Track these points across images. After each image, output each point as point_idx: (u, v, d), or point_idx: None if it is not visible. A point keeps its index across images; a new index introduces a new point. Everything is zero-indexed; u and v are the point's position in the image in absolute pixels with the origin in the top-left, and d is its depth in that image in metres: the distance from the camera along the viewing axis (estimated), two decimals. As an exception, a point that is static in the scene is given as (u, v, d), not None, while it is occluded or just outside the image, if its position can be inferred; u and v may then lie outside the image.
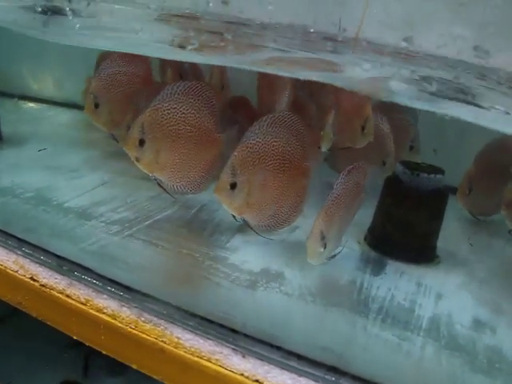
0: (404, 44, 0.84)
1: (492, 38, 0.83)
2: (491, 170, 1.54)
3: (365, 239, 1.43)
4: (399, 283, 1.26)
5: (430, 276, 1.31)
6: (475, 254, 1.46)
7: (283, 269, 1.25)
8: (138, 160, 1.31)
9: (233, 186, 1.22)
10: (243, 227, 1.39)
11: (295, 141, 1.28)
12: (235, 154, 1.22)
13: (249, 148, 1.23)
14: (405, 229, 1.35)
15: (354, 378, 0.93)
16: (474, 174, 1.56)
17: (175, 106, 1.30)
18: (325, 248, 1.18)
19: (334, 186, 1.19)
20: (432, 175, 1.33)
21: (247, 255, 1.29)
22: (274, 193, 1.30)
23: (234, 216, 1.33)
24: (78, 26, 1.07)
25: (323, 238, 1.16)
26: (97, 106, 1.66)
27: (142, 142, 1.29)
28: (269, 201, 1.30)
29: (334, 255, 1.27)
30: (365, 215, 1.41)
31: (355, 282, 1.24)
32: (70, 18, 1.06)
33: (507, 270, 1.40)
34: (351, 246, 1.40)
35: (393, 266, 1.33)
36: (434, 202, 1.35)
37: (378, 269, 1.31)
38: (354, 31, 0.91)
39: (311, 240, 1.17)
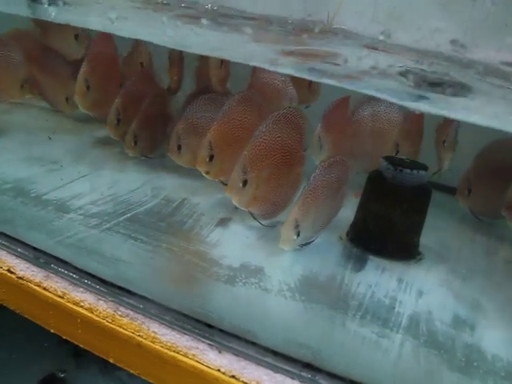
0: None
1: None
2: (491, 172, 1.52)
3: (347, 235, 1.42)
4: (380, 280, 1.25)
5: (411, 273, 1.30)
6: (458, 252, 1.46)
7: (263, 264, 1.24)
8: (207, 173, 1.43)
9: (244, 183, 1.30)
10: (224, 221, 1.40)
11: (295, 133, 1.35)
12: (245, 153, 1.29)
13: (257, 146, 1.29)
14: (387, 225, 1.34)
15: (330, 375, 0.92)
16: (473, 175, 1.55)
17: (234, 117, 1.40)
18: (298, 236, 1.22)
19: (311, 178, 1.22)
20: (415, 171, 1.32)
21: (227, 250, 1.28)
22: (277, 183, 1.36)
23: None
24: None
25: (297, 226, 1.21)
26: (88, 88, 1.70)
27: (211, 158, 1.40)
28: (272, 191, 1.36)
29: (308, 243, 1.30)
30: (348, 211, 1.41)
31: (335, 278, 1.23)
32: (46, 6, 1.05)
33: (490, 268, 1.40)
34: (333, 242, 1.39)
35: (374, 262, 1.32)
36: (416, 199, 1.35)
37: (359, 265, 1.30)
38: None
39: (285, 227, 1.21)
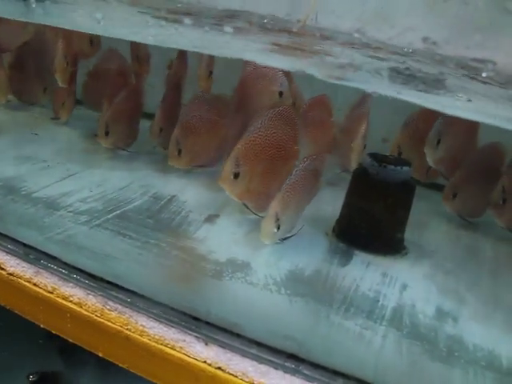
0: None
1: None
2: (476, 175, 1.56)
3: (333, 230, 1.44)
4: (365, 274, 1.27)
5: (396, 267, 1.33)
6: (443, 246, 1.49)
7: (249, 259, 1.26)
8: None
9: (236, 175, 1.33)
10: (211, 218, 1.42)
11: (290, 130, 1.39)
12: (238, 146, 1.33)
13: (251, 141, 1.34)
14: (372, 220, 1.36)
15: (314, 365, 0.94)
16: (459, 180, 1.57)
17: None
18: (278, 229, 1.25)
19: (293, 173, 1.26)
20: (399, 167, 1.34)
21: (214, 245, 1.29)
22: (271, 177, 1.40)
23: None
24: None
25: (277, 220, 1.24)
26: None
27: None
28: (266, 184, 1.40)
29: (288, 237, 1.33)
30: (335, 207, 1.43)
31: (321, 272, 1.25)
32: (34, 6, 1.07)
33: (474, 262, 1.42)
34: (319, 238, 1.42)
35: (360, 257, 1.34)
36: (400, 194, 1.37)
37: (344, 260, 1.32)
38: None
39: (266, 221, 1.24)
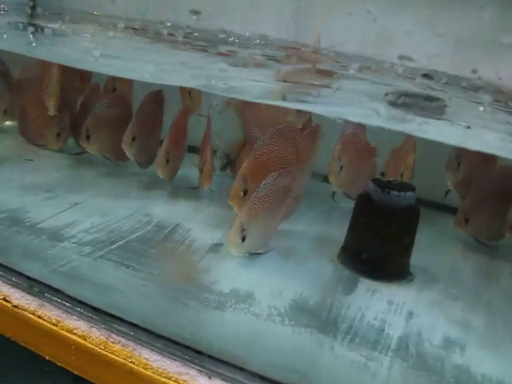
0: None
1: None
2: (487, 199, 1.56)
3: (338, 257, 1.43)
4: (370, 302, 1.26)
5: (401, 294, 1.32)
6: (449, 271, 1.47)
7: (253, 289, 1.25)
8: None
9: (245, 192, 1.38)
10: (215, 247, 1.42)
11: (290, 146, 1.44)
12: (245, 165, 1.40)
13: (256, 159, 1.40)
14: (377, 247, 1.36)
15: (318, 399, 0.94)
16: (470, 205, 1.57)
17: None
18: (243, 241, 1.28)
19: (261, 186, 1.29)
20: (402, 193, 1.34)
21: (217, 276, 1.29)
22: None
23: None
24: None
25: (243, 230, 1.27)
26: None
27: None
28: None
29: (258, 253, 1.37)
30: (340, 233, 1.43)
31: (326, 301, 1.24)
32: (33, 45, 1.08)
33: (480, 287, 1.41)
34: (325, 264, 1.41)
35: (365, 284, 1.34)
36: (405, 220, 1.37)
37: (349, 287, 1.31)
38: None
39: (231, 230, 1.28)
